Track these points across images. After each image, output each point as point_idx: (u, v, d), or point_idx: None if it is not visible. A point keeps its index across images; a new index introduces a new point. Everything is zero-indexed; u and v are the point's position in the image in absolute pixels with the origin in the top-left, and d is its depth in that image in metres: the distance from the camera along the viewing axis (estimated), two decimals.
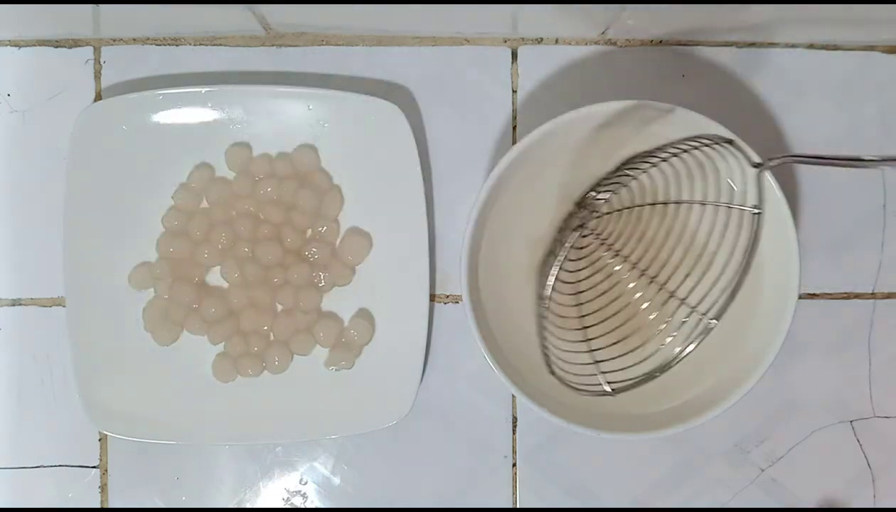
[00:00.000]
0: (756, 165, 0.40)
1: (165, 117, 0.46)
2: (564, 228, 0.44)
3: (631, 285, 0.44)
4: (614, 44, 0.49)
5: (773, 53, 0.49)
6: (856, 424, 0.49)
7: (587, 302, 0.44)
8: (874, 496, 0.49)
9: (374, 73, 0.49)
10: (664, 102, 0.41)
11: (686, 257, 0.43)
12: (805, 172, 0.49)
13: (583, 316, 0.44)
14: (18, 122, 0.49)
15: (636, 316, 0.44)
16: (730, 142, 0.40)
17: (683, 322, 0.41)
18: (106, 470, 0.49)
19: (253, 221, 0.47)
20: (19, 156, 0.49)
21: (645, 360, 0.40)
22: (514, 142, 0.49)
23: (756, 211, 0.39)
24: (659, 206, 0.44)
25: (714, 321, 0.40)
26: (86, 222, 0.46)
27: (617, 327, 0.43)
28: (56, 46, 0.49)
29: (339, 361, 0.47)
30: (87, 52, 0.49)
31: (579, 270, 0.44)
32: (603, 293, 0.44)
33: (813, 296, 0.49)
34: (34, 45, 0.49)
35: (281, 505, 0.49)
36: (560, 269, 0.38)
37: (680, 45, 0.49)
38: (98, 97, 0.49)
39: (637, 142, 0.44)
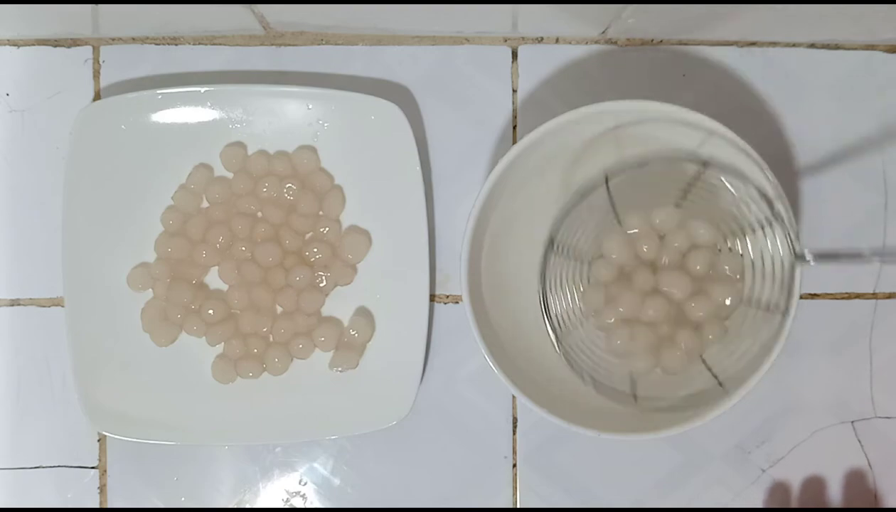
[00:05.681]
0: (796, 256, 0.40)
1: (164, 117, 0.46)
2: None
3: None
4: (614, 43, 0.49)
5: (773, 53, 0.49)
6: (857, 425, 0.49)
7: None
8: (875, 497, 0.49)
9: (374, 72, 0.49)
10: (664, 102, 0.41)
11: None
12: (805, 172, 0.49)
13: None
14: (17, 121, 0.48)
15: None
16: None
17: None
18: (105, 470, 0.49)
19: (251, 221, 0.47)
20: (18, 155, 0.49)
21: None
22: (514, 142, 0.48)
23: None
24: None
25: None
26: (85, 222, 0.46)
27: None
28: (55, 46, 0.49)
29: (342, 363, 0.47)
30: (86, 51, 0.49)
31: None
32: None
33: (814, 296, 0.49)
34: (33, 45, 0.49)
35: (281, 506, 0.49)
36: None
37: (680, 45, 0.49)
38: (97, 97, 0.49)
39: (636, 142, 0.43)
